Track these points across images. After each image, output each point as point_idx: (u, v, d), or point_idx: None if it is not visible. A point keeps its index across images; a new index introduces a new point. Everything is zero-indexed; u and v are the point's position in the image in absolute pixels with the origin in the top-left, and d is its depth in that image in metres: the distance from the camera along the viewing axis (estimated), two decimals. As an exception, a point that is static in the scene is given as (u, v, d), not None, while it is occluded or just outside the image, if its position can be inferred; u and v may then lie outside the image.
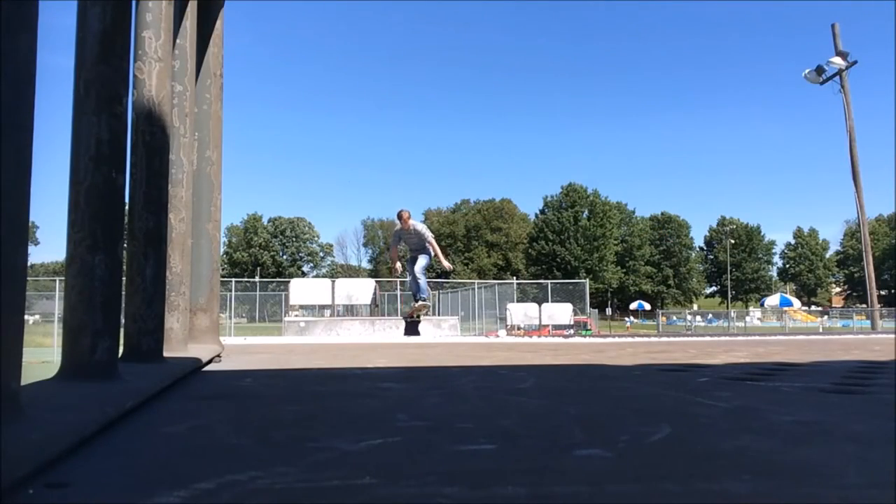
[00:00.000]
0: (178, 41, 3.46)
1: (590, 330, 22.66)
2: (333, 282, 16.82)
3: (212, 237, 4.20)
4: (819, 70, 22.09)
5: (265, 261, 70.53)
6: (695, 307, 64.93)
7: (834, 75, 21.97)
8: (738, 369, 3.13)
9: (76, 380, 1.88)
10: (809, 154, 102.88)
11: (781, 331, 25.82)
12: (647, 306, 59.74)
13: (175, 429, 1.40)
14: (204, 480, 0.72)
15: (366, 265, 78.39)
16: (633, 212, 75.10)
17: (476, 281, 32.65)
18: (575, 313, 23.91)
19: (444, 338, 8.61)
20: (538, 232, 68.87)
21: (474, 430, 1.24)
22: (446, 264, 9.40)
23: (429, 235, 9.03)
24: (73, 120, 2.03)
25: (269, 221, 74.65)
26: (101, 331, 1.96)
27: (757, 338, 7.54)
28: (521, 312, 22.95)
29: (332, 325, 11.02)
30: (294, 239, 74.21)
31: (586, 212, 68.89)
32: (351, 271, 72.60)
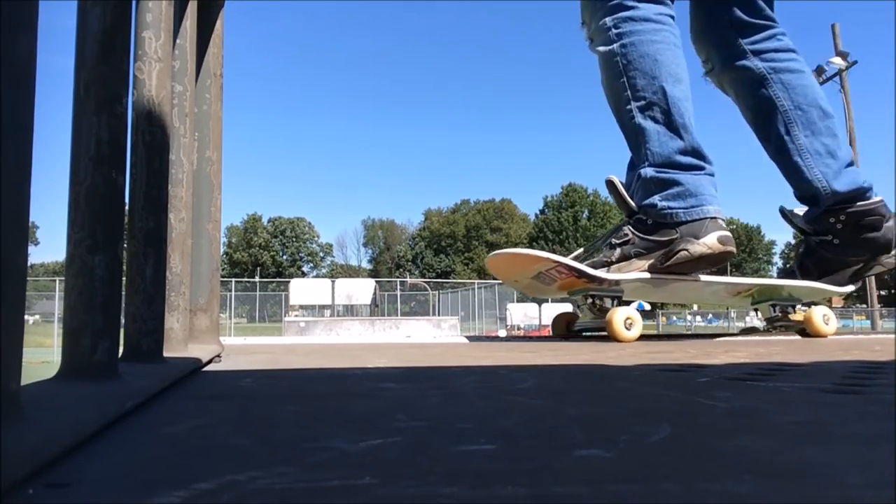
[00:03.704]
0: (178, 41, 3.46)
1: (590, 330, 22.62)
2: (333, 282, 16.89)
3: (212, 237, 4.21)
4: (819, 70, 22.13)
5: (265, 261, 70.61)
6: (695, 307, 64.99)
7: (834, 75, 22.02)
8: (739, 369, 3.14)
9: (76, 380, 1.88)
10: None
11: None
12: (647, 306, 59.80)
13: (175, 429, 1.41)
14: (204, 480, 0.73)
15: (366, 265, 78.41)
16: (634, 212, 75.28)
17: (476, 281, 32.66)
18: (575, 313, 23.93)
19: (444, 338, 8.63)
20: (538, 232, 69.03)
21: (474, 431, 1.25)
22: None
23: None
24: (73, 120, 2.03)
25: (269, 221, 74.73)
26: (101, 331, 1.96)
27: (757, 338, 7.56)
28: (521, 312, 23.02)
29: (332, 326, 11.03)
30: (294, 239, 74.30)
31: (586, 212, 69.05)
32: (351, 271, 72.65)
